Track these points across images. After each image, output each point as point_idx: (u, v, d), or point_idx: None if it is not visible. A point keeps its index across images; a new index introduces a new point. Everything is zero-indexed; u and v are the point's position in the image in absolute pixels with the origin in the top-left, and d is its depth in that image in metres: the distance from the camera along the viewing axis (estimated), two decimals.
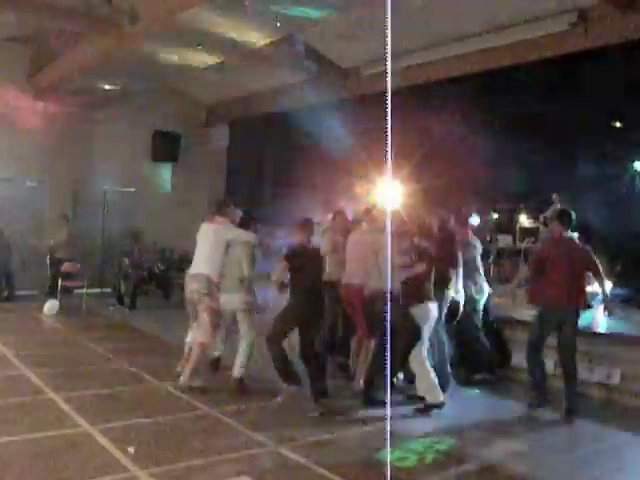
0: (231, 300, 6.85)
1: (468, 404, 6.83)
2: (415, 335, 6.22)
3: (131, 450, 4.89)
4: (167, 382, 6.97)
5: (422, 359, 6.33)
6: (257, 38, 10.21)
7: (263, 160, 15.09)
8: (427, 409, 6.23)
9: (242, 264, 6.81)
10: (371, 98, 11.40)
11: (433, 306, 6.44)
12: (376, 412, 6.12)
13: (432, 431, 5.78)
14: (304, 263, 6.46)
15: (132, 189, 14.58)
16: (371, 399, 6.27)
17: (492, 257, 11.95)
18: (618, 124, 14.79)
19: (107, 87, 12.66)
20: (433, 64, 10.19)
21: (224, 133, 16.19)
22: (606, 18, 8.13)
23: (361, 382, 6.61)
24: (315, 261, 6.68)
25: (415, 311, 6.30)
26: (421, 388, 6.32)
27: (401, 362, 6.35)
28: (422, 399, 6.31)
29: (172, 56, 11.01)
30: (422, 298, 6.35)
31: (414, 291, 6.30)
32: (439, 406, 6.23)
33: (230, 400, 6.44)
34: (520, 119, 11.91)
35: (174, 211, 14.69)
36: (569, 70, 10.09)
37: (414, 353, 6.28)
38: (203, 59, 11.33)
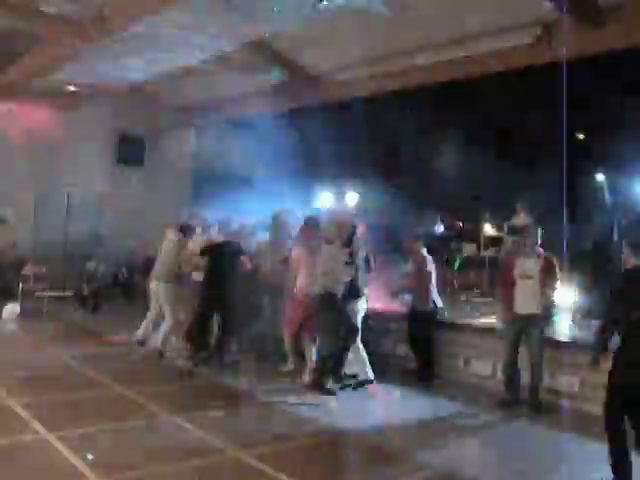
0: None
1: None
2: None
3: (89, 457, 4.82)
4: (128, 387, 6.90)
5: (357, 345, 7.30)
6: (226, 43, 10.18)
7: (230, 164, 14.99)
8: (361, 384, 7.28)
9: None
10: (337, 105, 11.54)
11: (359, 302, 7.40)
12: (330, 412, 6.27)
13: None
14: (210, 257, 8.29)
15: (96, 192, 14.41)
16: (326, 388, 7.04)
17: (457, 265, 12.07)
18: (581, 136, 15.07)
19: (73, 88, 12.49)
20: (399, 73, 10.28)
21: (190, 137, 16.11)
22: (570, 32, 8.27)
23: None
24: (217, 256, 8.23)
25: (354, 305, 7.27)
26: (358, 368, 7.34)
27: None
28: (354, 377, 7.37)
29: (138, 58, 10.90)
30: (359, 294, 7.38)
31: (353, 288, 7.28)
32: (371, 382, 7.29)
33: (190, 405, 6.41)
34: (485, 131, 12.06)
35: (139, 215, 14.55)
36: (532, 83, 10.25)
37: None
38: (170, 61, 11.25)
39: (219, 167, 14.82)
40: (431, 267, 8.10)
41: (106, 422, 5.74)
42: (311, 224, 8.00)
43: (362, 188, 13.16)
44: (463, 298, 11.31)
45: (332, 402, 6.79)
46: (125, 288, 12.70)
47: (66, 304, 12.57)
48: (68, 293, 13.26)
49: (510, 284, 6.90)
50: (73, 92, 12.73)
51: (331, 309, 7.09)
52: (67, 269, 13.77)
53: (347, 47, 9.97)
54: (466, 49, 9.21)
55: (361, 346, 7.36)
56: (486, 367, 7.75)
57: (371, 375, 7.35)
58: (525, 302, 6.77)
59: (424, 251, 8.17)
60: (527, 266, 6.84)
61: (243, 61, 11.04)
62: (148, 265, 12.93)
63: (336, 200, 13.54)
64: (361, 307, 7.41)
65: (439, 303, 8.14)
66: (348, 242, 7.30)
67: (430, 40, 9.56)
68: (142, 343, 8.72)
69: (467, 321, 8.68)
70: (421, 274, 8.02)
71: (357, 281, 7.30)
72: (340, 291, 7.10)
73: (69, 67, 10.91)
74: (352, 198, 13.07)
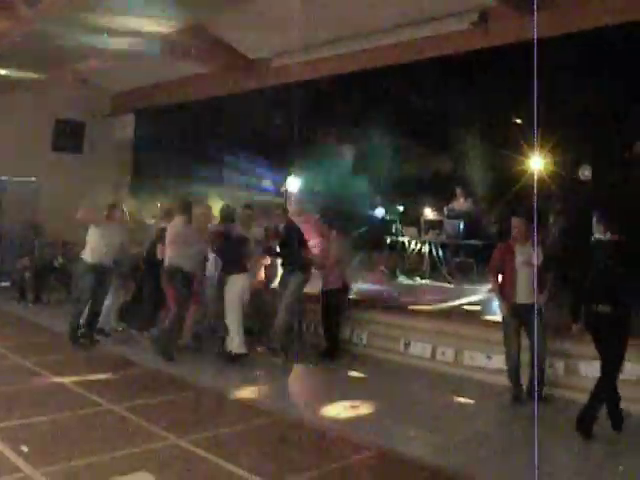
0: None
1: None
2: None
3: (24, 449, 4.73)
4: (66, 378, 6.80)
5: (236, 318, 7.87)
6: (163, 26, 10.02)
7: (170, 150, 14.75)
8: (236, 358, 7.78)
9: None
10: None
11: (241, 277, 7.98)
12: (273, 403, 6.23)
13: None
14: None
15: (32, 179, 14.02)
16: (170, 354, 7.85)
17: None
18: (518, 120, 15.29)
19: (2, 72, 12.09)
20: (336, 60, 10.30)
21: (130, 122, 15.78)
22: (505, 19, 8.40)
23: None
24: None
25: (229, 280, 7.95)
26: (234, 342, 7.82)
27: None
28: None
29: (73, 41, 10.60)
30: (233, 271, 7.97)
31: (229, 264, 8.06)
32: (246, 355, 7.86)
33: (131, 395, 6.34)
34: (421, 114, 12.15)
35: (78, 203, 14.21)
36: (468, 67, 10.35)
37: (232, 314, 7.86)
38: (107, 45, 10.97)
39: (159, 153, 14.57)
40: (339, 249, 8.64)
41: (44, 414, 5.63)
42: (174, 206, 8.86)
43: (303, 173, 13.18)
44: (409, 282, 11.49)
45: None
46: (61, 276, 12.41)
47: (3, 295, 12.25)
48: (5, 284, 12.93)
49: (510, 272, 6.64)
50: (4, 75, 12.29)
51: (172, 281, 8.00)
52: (3, 260, 13.39)
53: (286, 32, 9.93)
54: (403, 35, 9.26)
55: (232, 319, 7.84)
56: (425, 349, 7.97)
57: (243, 349, 7.85)
58: (525, 291, 6.55)
59: (333, 233, 8.78)
60: (527, 254, 6.62)
61: (181, 45, 10.86)
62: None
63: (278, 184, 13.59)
64: (239, 282, 7.92)
65: (349, 283, 8.72)
66: (230, 219, 8.15)
67: (366, 27, 9.59)
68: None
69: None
70: (325, 255, 8.59)
71: (234, 257, 7.98)
72: (188, 265, 7.99)
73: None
74: (293, 183, 13.04)
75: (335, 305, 8.48)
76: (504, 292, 6.69)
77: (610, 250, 5.63)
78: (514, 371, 6.62)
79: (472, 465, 4.92)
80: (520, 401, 6.49)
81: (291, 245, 8.33)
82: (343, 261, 8.72)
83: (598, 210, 5.84)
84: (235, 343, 7.84)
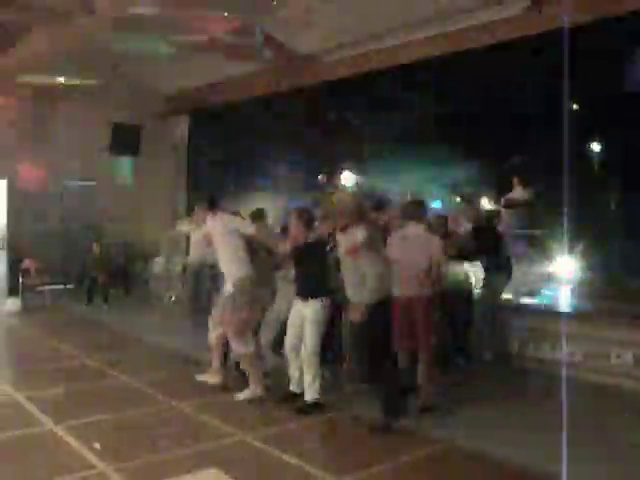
0: None
1: None
2: None
3: (97, 446, 4.85)
4: (131, 377, 6.93)
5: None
6: (214, 27, 10.11)
7: (226, 151, 14.88)
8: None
9: None
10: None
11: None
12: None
13: None
14: None
15: (93, 183, 14.34)
16: None
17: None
18: (575, 106, 14.91)
19: (62, 80, 12.40)
20: (385, 52, 10.22)
21: (184, 124, 15.98)
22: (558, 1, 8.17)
23: None
24: None
25: None
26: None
27: None
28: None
29: (128, 46, 10.81)
30: None
31: None
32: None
33: (195, 394, 6.40)
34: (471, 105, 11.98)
35: (136, 205, 14.50)
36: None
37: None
38: (161, 49, 11.15)
39: (215, 153, 14.71)
40: None
41: (113, 412, 5.76)
42: None
43: (360, 168, 13.13)
44: None
45: None
46: (122, 278, 12.66)
47: (68, 296, 12.56)
48: (70, 285, 13.26)
49: None
50: (64, 83, 12.61)
51: None
52: (67, 262, 13.74)
53: (334, 27, 9.91)
54: (454, 24, 9.12)
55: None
56: None
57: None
58: None
59: None
60: None
61: (231, 44, 10.95)
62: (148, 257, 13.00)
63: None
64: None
65: None
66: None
67: (416, 16, 9.46)
68: None
69: None
70: None
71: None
72: None
73: (57, 58, 10.83)
74: (349, 178, 12.99)
75: None
76: None
77: None
78: None
79: None
80: None
81: None
82: None
83: None
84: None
